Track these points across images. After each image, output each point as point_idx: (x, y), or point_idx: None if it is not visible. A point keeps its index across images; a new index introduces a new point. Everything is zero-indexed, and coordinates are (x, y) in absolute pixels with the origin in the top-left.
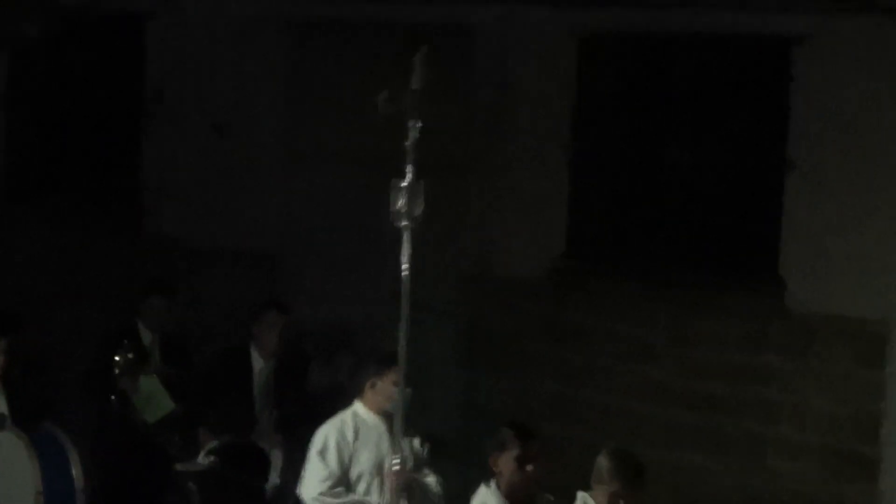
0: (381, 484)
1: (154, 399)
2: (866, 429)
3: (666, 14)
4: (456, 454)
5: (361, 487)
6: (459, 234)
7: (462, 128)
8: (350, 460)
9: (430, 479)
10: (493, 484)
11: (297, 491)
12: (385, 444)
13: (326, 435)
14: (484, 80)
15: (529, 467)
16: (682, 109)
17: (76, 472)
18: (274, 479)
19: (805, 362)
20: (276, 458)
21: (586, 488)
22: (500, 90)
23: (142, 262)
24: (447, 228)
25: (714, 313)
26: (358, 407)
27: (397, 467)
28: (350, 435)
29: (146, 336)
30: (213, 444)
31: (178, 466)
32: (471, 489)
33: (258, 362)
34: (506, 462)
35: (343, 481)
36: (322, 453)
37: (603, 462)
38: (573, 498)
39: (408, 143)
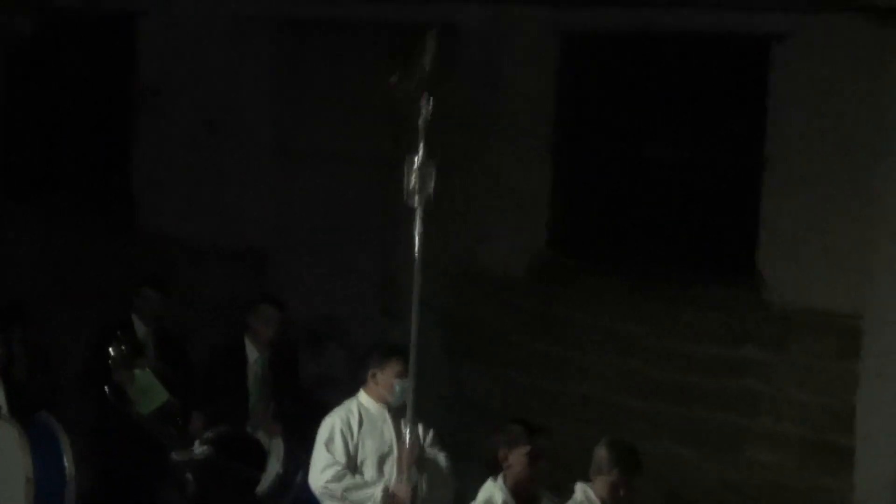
0: (391, 466)
1: (148, 391)
2: (842, 420)
3: (647, 13)
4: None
5: (367, 474)
6: (446, 230)
7: (447, 124)
8: (355, 448)
9: (441, 456)
10: (499, 478)
11: (308, 480)
12: (388, 432)
13: (332, 424)
14: (469, 77)
15: (540, 463)
16: (662, 106)
17: (68, 460)
18: (276, 468)
19: (782, 355)
20: (278, 448)
21: (582, 479)
22: (486, 87)
23: (134, 257)
24: (435, 224)
25: (693, 307)
26: (362, 396)
27: (410, 442)
28: (355, 424)
29: (140, 329)
30: (208, 434)
31: (175, 456)
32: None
33: (253, 354)
34: (517, 457)
35: (349, 469)
36: (328, 443)
37: (602, 453)
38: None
39: (420, 122)
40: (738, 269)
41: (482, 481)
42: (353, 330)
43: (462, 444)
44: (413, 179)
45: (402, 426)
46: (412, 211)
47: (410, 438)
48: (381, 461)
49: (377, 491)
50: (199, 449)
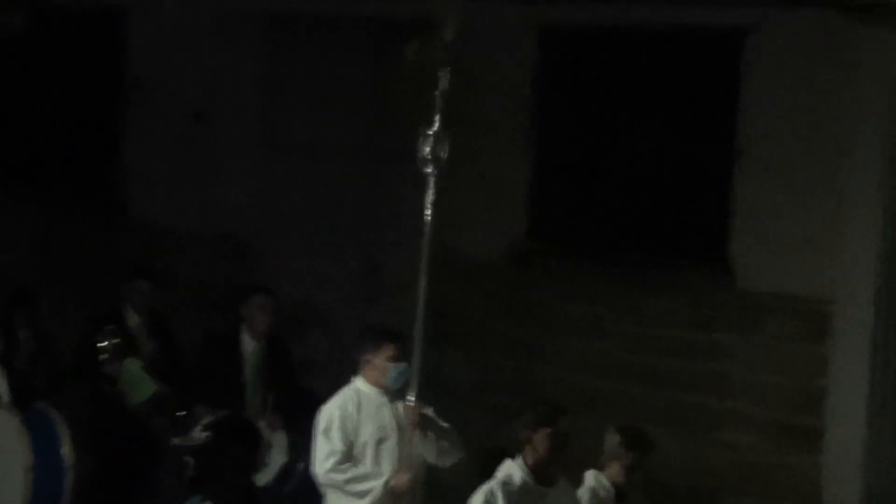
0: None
1: (136, 382)
2: (812, 402)
3: (622, 7)
4: None
5: (367, 457)
6: (423, 217)
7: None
8: (355, 434)
9: (445, 424)
10: (518, 458)
11: (311, 469)
12: (386, 414)
13: (330, 413)
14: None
15: (562, 445)
16: (636, 98)
17: (66, 448)
18: (280, 460)
19: (753, 338)
20: (280, 440)
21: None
22: (465, 79)
23: (124, 245)
24: (415, 213)
25: (667, 292)
26: (359, 382)
27: (412, 403)
28: (353, 409)
29: (132, 319)
30: (208, 419)
31: (175, 441)
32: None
33: (249, 344)
34: (542, 439)
35: (349, 456)
36: (327, 431)
37: (615, 439)
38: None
39: (437, 92)
40: (710, 255)
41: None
42: (336, 316)
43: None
44: (428, 147)
45: (400, 409)
46: (394, 202)
47: (414, 401)
48: (380, 444)
49: (378, 484)
50: (199, 434)
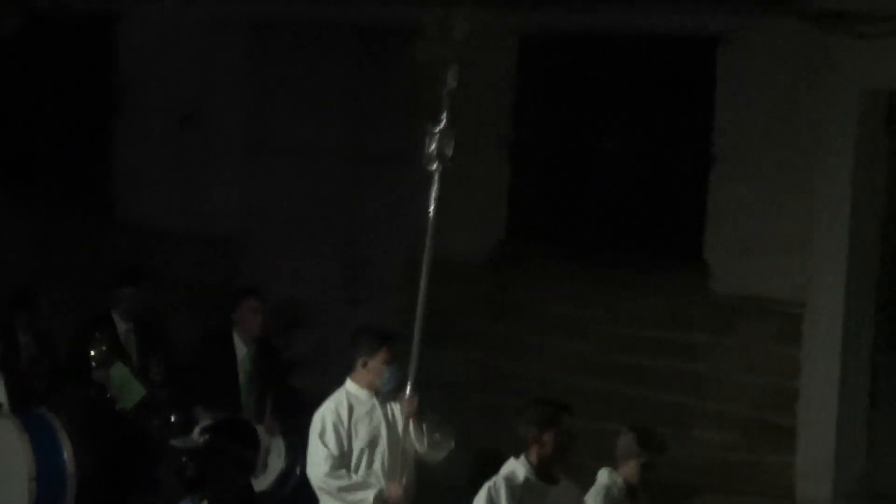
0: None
1: (125, 387)
2: (784, 402)
3: (599, 15)
4: None
5: (362, 460)
6: (406, 220)
7: (410, 120)
8: (348, 438)
9: (436, 416)
10: (521, 456)
11: (307, 473)
12: (378, 416)
13: (324, 417)
14: (430, 74)
15: (568, 444)
16: (614, 104)
17: (68, 455)
18: (279, 464)
19: (727, 339)
20: (278, 445)
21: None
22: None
23: (112, 245)
24: (395, 214)
25: (643, 294)
26: (349, 385)
27: (409, 395)
28: (345, 413)
29: (121, 325)
30: (207, 421)
31: (174, 442)
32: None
33: (241, 349)
34: (548, 437)
35: (344, 459)
36: (321, 436)
37: (629, 437)
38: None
39: (445, 91)
40: (685, 258)
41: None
42: (321, 316)
43: None
44: (433, 144)
45: (390, 410)
46: (379, 203)
47: (410, 391)
48: (373, 446)
49: (370, 494)
50: (198, 436)
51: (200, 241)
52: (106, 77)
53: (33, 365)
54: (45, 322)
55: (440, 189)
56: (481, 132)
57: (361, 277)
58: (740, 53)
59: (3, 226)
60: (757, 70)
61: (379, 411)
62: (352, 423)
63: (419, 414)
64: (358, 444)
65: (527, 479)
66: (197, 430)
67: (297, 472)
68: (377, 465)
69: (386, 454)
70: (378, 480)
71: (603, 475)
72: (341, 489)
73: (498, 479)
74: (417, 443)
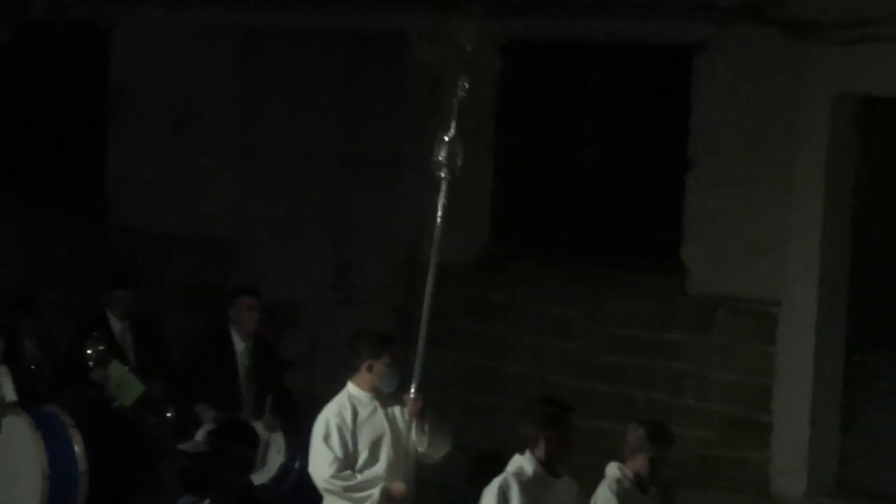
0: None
1: (124, 384)
2: (760, 398)
3: (580, 24)
4: None
5: (366, 460)
6: (396, 222)
7: (398, 125)
8: (353, 440)
9: (437, 416)
10: (527, 453)
11: (309, 473)
12: (380, 417)
13: (328, 420)
14: (416, 81)
15: (572, 441)
16: (594, 110)
17: (79, 452)
18: (278, 460)
19: (706, 338)
20: (278, 441)
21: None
22: (431, 91)
23: (108, 247)
24: (385, 217)
25: (624, 294)
26: (351, 388)
27: (414, 395)
28: (349, 416)
29: (116, 325)
30: (211, 426)
31: (181, 447)
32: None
33: (240, 345)
34: (555, 435)
35: (349, 461)
36: (326, 438)
37: (639, 432)
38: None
39: (454, 101)
40: (665, 259)
41: None
42: (310, 316)
43: None
44: (443, 152)
45: (391, 411)
46: (366, 206)
47: (415, 392)
48: (376, 448)
49: (375, 492)
50: (203, 435)
51: (195, 243)
52: (101, 82)
53: (38, 366)
54: (46, 324)
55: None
56: (466, 138)
57: (353, 278)
58: (716, 61)
59: (1, 228)
60: (732, 77)
61: (381, 413)
62: (356, 426)
63: (422, 414)
64: (362, 445)
65: (535, 474)
66: (201, 432)
67: (297, 468)
68: (381, 465)
69: (389, 454)
70: (381, 479)
71: (613, 469)
72: (347, 489)
73: (508, 476)
74: (419, 442)
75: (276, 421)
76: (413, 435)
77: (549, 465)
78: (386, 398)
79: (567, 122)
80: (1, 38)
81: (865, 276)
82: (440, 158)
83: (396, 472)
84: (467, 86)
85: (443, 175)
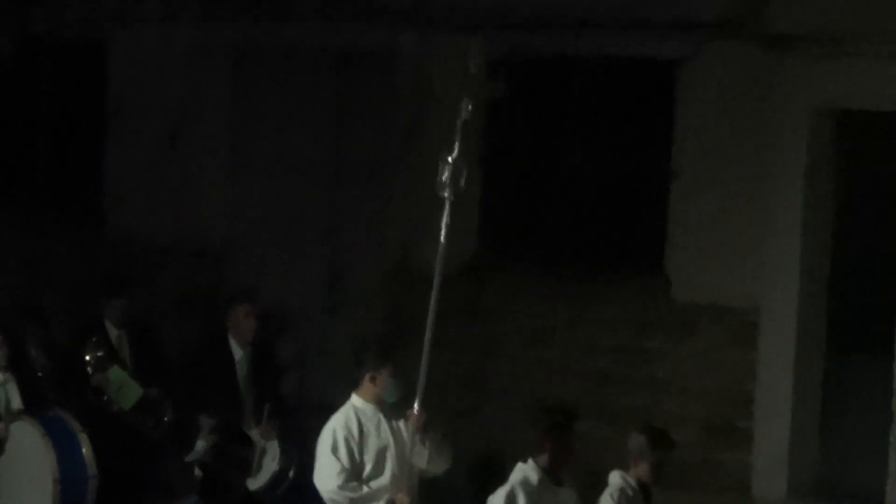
0: (391, 460)
1: (124, 387)
2: (741, 404)
3: (566, 38)
4: None
5: (372, 472)
6: (383, 235)
7: (386, 140)
8: (359, 452)
9: (438, 433)
10: (530, 461)
11: (315, 483)
12: (384, 429)
13: (334, 431)
14: (406, 95)
15: (575, 447)
16: (579, 123)
17: (87, 456)
18: (273, 466)
19: (687, 345)
20: (273, 448)
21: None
22: (419, 107)
23: (104, 255)
24: (373, 230)
25: (606, 302)
26: (355, 400)
27: (417, 411)
28: (355, 428)
29: (113, 332)
30: (209, 435)
31: (187, 458)
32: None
33: (238, 352)
34: (560, 443)
35: (356, 472)
36: (334, 449)
37: (641, 439)
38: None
39: (459, 121)
40: (647, 267)
41: None
42: (301, 324)
43: None
44: (446, 173)
45: (395, 424)
46: (355, 217)
47: (418, 407)
48: (381, 458)
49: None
50: (206, 439)
51: (189, 252)
52: (99, 96)
53: (45, 373)
54: (51, 332)
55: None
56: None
57: (343, 287)
58: (698, 75)
59: (1, 237)
60: (713, 90)
61: (385, 424)
62: (362, 438)
63: (425, 430)
64: (367, 457)
65: (540, 482)
66: (200, 443)
67: (291, 475)
68: (385, 477)
69: (394, 466)
70: (387, 491)
71: (615, 477)
72: (353, 500)
73: (515, 485)
74: (418, 458)
75: (272, 427)
76: (414, 452)
77: (552, 474)
78: (390, 410)
79: (553, 135)
80: (1, 55)
81: (844, 282)
82: (443, 179)
83: (400, 484)
84: (471, 107)
85: (446, 195)
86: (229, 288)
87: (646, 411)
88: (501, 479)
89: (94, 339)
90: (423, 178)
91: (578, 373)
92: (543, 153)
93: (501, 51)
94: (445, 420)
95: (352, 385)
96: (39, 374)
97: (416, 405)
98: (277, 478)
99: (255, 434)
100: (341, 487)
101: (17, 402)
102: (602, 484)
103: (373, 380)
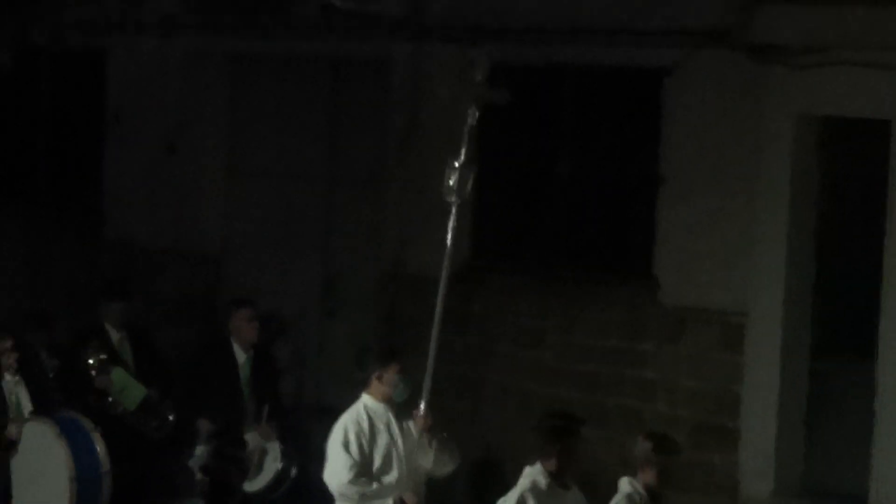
0: (397, 465)
1: (128, 388)
2: (728, 405)
3: (555, 48)
4: None
5: (381, 469)
6: (379, 238)
7: (381, 146)
8: (369, 448)
9: (445, 434)
10: (537, 464)
11: (325, 478)
12: (394, 427)
13: (346, 427)
14: (399, 105)
15: (580, 451)
16: (569, 131)
17: (102, 454)
18: (274, 466)
19: (675, 347)
20: (274, 448)
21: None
22: (413, 114)
23: (103, 262)
24: (368, 234)
25: (597, 306)
26: (366, 399)
27: (423, 412)
28: (365, 425)
29: (114, 335)
30: (207, 439)
31: (190, 463)
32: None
33: (241, 355)
34: (567, 448)
35: (366, 468)
36: (345, 445)
37: (646, 445)
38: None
39: (465, 128)
40: (636, 272)
41: None
42: (297, 327)
43: None
44: (453, 179)
45: (405, 424)
46: (349, 222)
47: (424, 408)
48: (389, 457)
49: (388, 501)
50: (205, 443)
51: (186, 258)
52: (98, 105)
53: (55, 379)
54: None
55: (414, 210)
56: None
57: (338, 292)
58: (684, 83)
59: (2, 242)
60: (699, 98)
61: (395, 424)
62: (372, 435)
63: (431, 431)
64: (377, 454)
65: (548, 486)
66: (200, 447)
67: (292, 475)
68: (393, 475)
69: (402, 465)
70: (395, 489)
71: (624, 484)
72: (363, 496)
73: (525, 491)
74: (424, 458)
75: (273, 428)
76: (421, 453)
77: (559, 477)
78: (399, 411)
79: (543, 143)
80: (3, 64)
81: (828, 286)
82: (450, 184)
83: (408, 483)
84: (478, 114)
85: (452, 200)
86: (230, 293)
87: (636, 412)
88: (497, 479)
89: (95, 342)
90: (416, 184)
91: (570, 375)
92: (535, 159)
93: (494, 59)
94: (441, 422)
95: (360, 386)
96: (51, 376)
97: (421, 406)
98: (279, 477)
99: (255, 435)
100: (352, 482)
101: (27, 405)
102: (593, 484)
103: (380, 378)
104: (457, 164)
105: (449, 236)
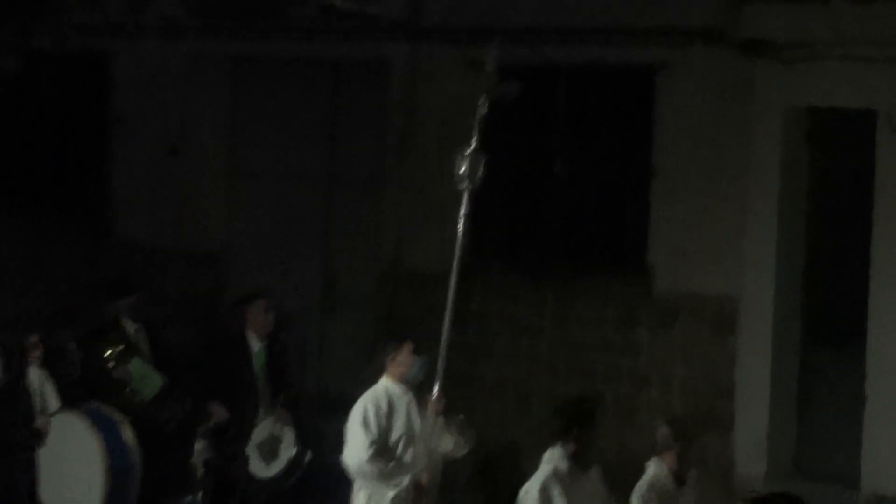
0: (416, 443)
1: (146, 378)
2: (722, 390)
3: (550, 48)
4: None
5: (398, 449)
6: (378, 238)
7: (380, 146)
8: (387, 427)
9: (460, 416)
10: (558, 448)
11: (343, 457)
12: (413, 410)
13: (365, 406)
14: (398, 105)
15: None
16: (564, 127)
17: (131, 444)
18: (290, 452)
19: (670, 336)
20: (289, 435)
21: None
22: (411, 114)
23: (107, 261)
24: (368, 233)
25: (592, 297)
26: (385, 381)
27: (437, 396)
28: (384, 406)
29: (130, 327)
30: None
31: (194, 460)
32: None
33: (255, 344)
34: (589, 433)
35: (384, 446)
36: (364, 423)
37: (664, 431)
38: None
39: (476, 118)
40: (630, 263)
41: None
42: (298, 323)
43: None
44: (464, 166)
45: (423, 408)
46: (349, 222)
47: (438, 392)
48: (408, 438)
49: (406, 480)
50: (202, 446)
51: (189, 257)
52: (101, 108)
53: (81, 373)
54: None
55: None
56: (443, 156)
57: (338, 289)
58: (676, 79)
59: (7, 244)
60: (691, 93)
61: (414, 407)
62: (390, 415)
63: (444, 414)
64: (395, 434)
65: (570, 469)
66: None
67: (306, 461)
68: (410, 455)
69: (419, 446)
70: (411, 469)
71: (653, 465)
72: (381, 473)
73: (548, 476)
74: (441, 440)
75: (287, 414)
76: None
77: (579, 460)
78: (416, 393)
79: (539, 139)
80: (8, 66)
81: (818, 276)
82: (461, 172)
83: (424, 465)
84: (488, 104)
85: (464, 187)
86: (231, 292)
87: (630, 400)
88: (496, 472)
89: (112, 335)
90: (415, 184)
91: (565, 367)
92: (531, 157)
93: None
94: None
95: (376, 373)
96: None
97: (435, 390)
98: (293, 464)
99: (271, 421)
100: (370, 460)
101: (53, 398)
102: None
103: (394, 360)
104: (466, 153)
105: (460, 224)
